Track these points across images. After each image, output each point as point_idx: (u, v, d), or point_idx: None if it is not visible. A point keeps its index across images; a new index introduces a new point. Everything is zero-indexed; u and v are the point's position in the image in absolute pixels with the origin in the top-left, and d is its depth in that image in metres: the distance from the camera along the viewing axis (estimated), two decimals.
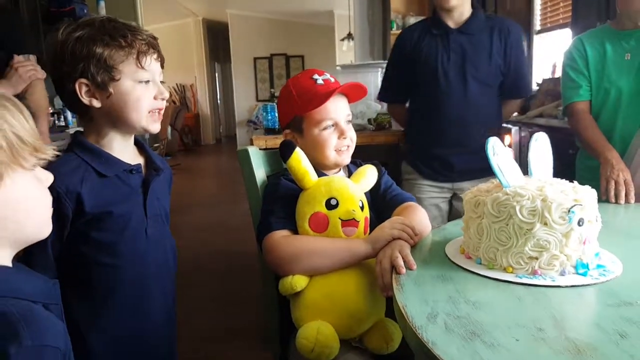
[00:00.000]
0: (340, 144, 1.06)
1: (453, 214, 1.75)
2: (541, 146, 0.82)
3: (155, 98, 0.87)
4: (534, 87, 3.33)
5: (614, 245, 0.78)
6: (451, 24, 1.61)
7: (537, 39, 3.59)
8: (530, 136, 0.83)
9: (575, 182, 0.77)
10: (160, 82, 0.89)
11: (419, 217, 1.01)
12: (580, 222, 0.68)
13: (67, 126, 3.12)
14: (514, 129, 2.56)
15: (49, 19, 3.15)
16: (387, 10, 4.06)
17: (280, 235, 0.94)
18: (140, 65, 0.83)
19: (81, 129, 0.90)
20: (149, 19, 4.71)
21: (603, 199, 1.20)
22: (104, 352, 0.85)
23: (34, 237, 0.60)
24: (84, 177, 0.82)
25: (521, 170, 0.79)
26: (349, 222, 0.92)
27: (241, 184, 1.12)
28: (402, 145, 1.90)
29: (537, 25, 3.58)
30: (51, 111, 2.95)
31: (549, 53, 3.47)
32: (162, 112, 0.90)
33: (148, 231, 0.89)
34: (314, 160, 1.00)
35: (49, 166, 0.61)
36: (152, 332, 0.92)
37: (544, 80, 2.89)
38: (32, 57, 1.72)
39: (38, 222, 0.60)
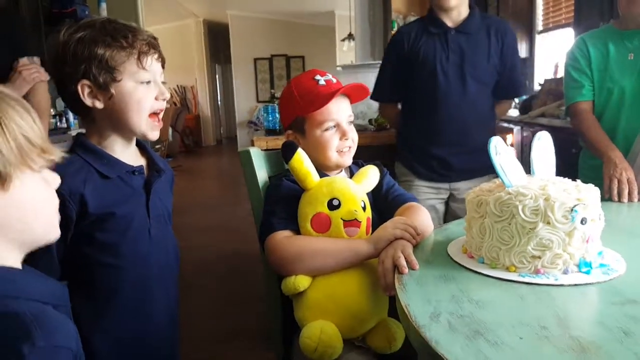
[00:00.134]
0: (342, 145, 1.06)
1: (449, 215, 1.73)
2: (544, 145, 0.82)
3: (156, 99, 0.87)
4: (536, 87, 3.34)
5: (617, 243, 0.78)
6: (449, 23, 1.60)
7: (539, 38, 3.58)
8: (532, 136, 0.83)
9: (578, 181, 0.76)
10: (162, 82, 0.89)
11: (421, 217, 1.01)
12: (583, 221, 0.68)
13: (69, 128, 3.13)
14: (516, 129, 2.56)
15: (50, 21, 3.16)
16: (388, 11, 4.06)
17: (283, 236, 0.94)
18: (141, 65, 0.84)
19: (83, 131, 0.90)
20: (150, 20, 4.72)
21: (606, 197, 1.20)
22: (107, 353, 0.85)
23: (42, 239, 0.60)
24: (87, 178, 0.82)
25: (523, 170, 0.79)
26: (351, 223, 0.92)
27: (243, 185, 1.12)
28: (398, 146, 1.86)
29: (540, 25, 3.58)
30: (53, 113, 2.96)
31: (551, 53, 3.47)
32: (162, 114, 0.90)
33: (151, 232, 0.90)
34: (315, 161, 1.00)
35: (52, 168, 0.61)
36: (155, 333, 0.92)
37: (546, 80, 2.88)
38: (36, 59, 1.73)
39: (46, 224, 0.60)
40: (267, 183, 1.09)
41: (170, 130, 7.17)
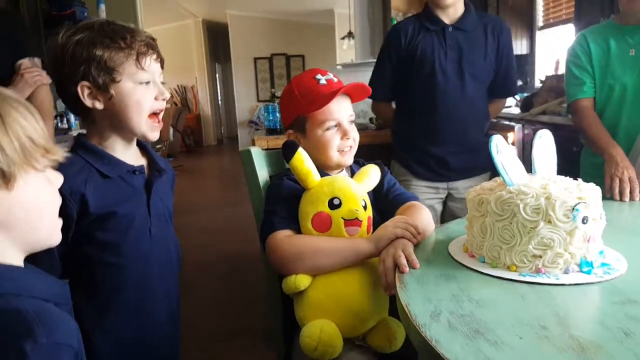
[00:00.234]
0: (343, 145, 1.06)
1: (447, 214, 1.72)
2: (545, 143, 0.82)
3: (156, 99, 0.88)
4: (537, 84, 3.33)
5: (618, 243, 0.78)
6: (446, 20, 1.59)
7: (539, 35, 3.57)
8: (534, 134, 0.82)
9: (580, 180, 0.76)
10: (161, 82, 0.89)
11: (422, 216, 1.01)
12: (584, 220, 0.67)
13: (69, 129, 3.13)
14: (517, 127, 2.56)
15: (50, 23, 3.16)
16: (387, 9, 4.05)
17: (284, 235, 0.94)
18: (140, 66, 0.84)
19: (84, 131, 0.90)
20: (149, 21, 4.72)
21: (607, 196, 1.19)
22: (108, 352, 0.85)
23: (45, 243, 0.61)
24: (88, 178, 0.83)
25: (525, 168, 0.78)
26: (352, 222, 0.92)
27: (244, 185, 1.12)
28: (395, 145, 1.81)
29: (540, 21, 3.57)
30: (54, 114, 2.96)
31: (552, 49, 3.46)
32: (162, 115, 0.91)
33: (152, 231, 0.90)
34: (316, 160, 1.00)
35: (54, 168, 0.61)
36: (156, 332, 0.92)
37: (547, 77, 2.88)
38: (37, 61, 1.73)
39: (50, 227, 0.60)
40: (268, 182, 1.09)
41: (171, 130, 7.18)
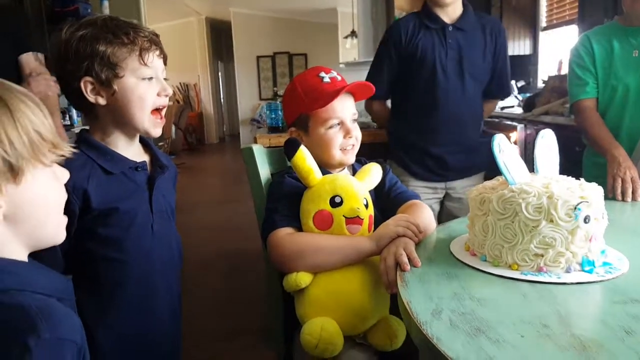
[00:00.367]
0: (345, 143, 1.06)
1: (444, 214, 1.71)
2: (547, 143, 0.82)
3: (158, 95, 0.88)
4: (540, 85, 3.32)
5: (620, 242, 0.78)
6: (446, 19, 1.58)
7: (543, 35, 3.56)
8: (536, 134, 0.82)
9: (582, 179, 0.76)
10: (164, 79, 0.89)
11: (424, 215, 1.01)
12: (586, 219, 0.67)
13: (72, 125, 3.14)
14: (520, 126, 2.55)
15: (53, 19, 3.17)
16: (390, 7, 4.05)
17: (285, 233, 0.95)
18: (143, 61, 0.84)
19: (87, 127, 0.91)
20: (153, 18, 4.73)
21: (610, 196, 1.19)
22: (110, 348, 0.86)
23: (51, 238, 0.61)
24: (91, 174, 0.83)
25: (527, 168, 0.78)
26: (353, 220, 0.92)
27: (245, 183, 1.12)
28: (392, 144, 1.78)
29: (543, 22, 3.56)
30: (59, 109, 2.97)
31: (555, 50, 3.45)
32: (164, 111, 0.91)
33: (154, 227, 0.90)
34: (318, 158, 1.00)
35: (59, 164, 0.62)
36: (158, 329, 0.93)
37: (550, 78, 2.87)
38: (41, 56, 1.73)
39: (56, 221, 0.61)
40: (269, 180, 1.10)
41: (173, 127, 7.19)
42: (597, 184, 0.74)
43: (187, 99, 9.08)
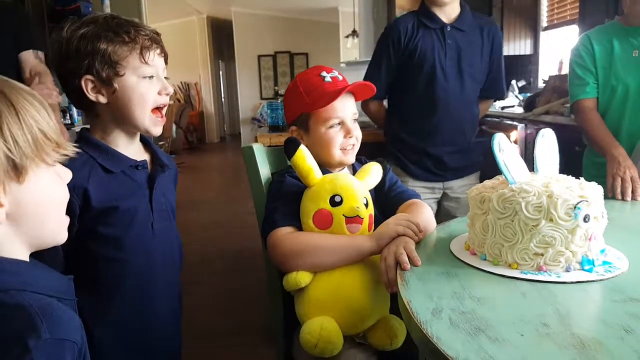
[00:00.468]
0: (346, 143, 1.06)
1: (442, 214, 1.71)
2: (547, 142, 0.82)
3: (159, 93, 0.88)
4: (541, 84, 3.32)
5: (620, 241, 0.78)
6: (444, 18, 1.58)
7: (543, 35, 3.56)
8: (536, 133, 0.82)
9: (582, 179, 0.76)
10: (165, 78, 0.89)
11: (424, 214, 1.01)
12: (586, 219, 0.67)
13: (72, 124, 3.14)
14: (520, 126, 2.55)
15: (54, 17, 3.17)
16: (391, 7, 4.04)
17: (285, 232, 0.95)
18: (144, 60, 0.84)
19: (87, 126, 0.91)
20: (154, 17, 4.73)
21: (609, 196, 1.19)
22: (110, 347, 0.86)
23: (52, 238, 0.61)
24: (91, 172, 0.83)
25: (527, 167, 0.78)
26: (353, 219, 0.92)
27: (246, 182, 1.12)
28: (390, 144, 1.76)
29: (544, 22, 3.56)
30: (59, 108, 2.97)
31: (556, 50, 3.45)
32: (165, 110, 0.91)
33: (154, 226, 0.90)
34: (319, 158, 1.00)
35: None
36: (158, 327, 0.93)
37: (551, 77, 2.87)
38: (40, 54, 1.73)
39: (58, 221, 0.60)
40: (270, 179, 1.10)
41: (173, 127, 7.18)
42: (596, 184, 0.74)
43: (188, 98, 9.09)
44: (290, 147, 0.94)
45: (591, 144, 1.49)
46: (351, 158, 1.09)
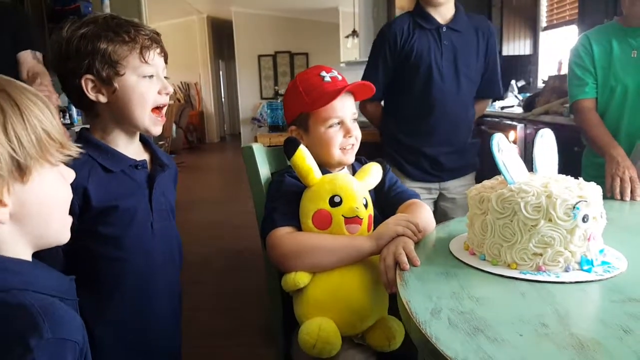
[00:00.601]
0: (345, 143, 1.06)
1: (439, 214, 1.71)
2: (546, 142, 0.82)
3: (159, 93, 0.88)
4: (540, 85, 3.32)
5: (619, 242, 0.78)
6: (439, 19, 1.58)
7: (543, 35, 3.56)
8: (536, 133, 0.82)
9: (581, 179, 0.76)
10: (165, 77, 0.89)
11: (424, 214, 1.01)
12: (585, 219, 0.67)
13: (72, 124, 3.14)
14: (519, 126, 2.55)
15: (53, 18, 3.17)
16: (391, 7, 4.04)
17: (284, 232, 0.95)
18: (144, 59, 0.84)
19: (87, 126, 0.91)
20: (154, 17, 4.73)
21: (608, 196, 1.19)
22: (110, 347, 0.86)
23: (55, 237, 0.61)
24: (91, 172, 0.83)
25: (526, 168, 0.78)
26: (353, 220, 0.92)
27: (245, 182, 1.12)
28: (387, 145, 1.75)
29: (544, 22, 3.56)
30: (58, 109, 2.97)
31: (555, 50, 3.45)
32: (165, 110, 0.91)
33: (154, 225, 0.90)
34: (318, 157, 1.00)
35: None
36: (158, 327, 0.93)
37: (550, 78, 2.87)
38: (39, 54, 1.73)
39: (61, 221, 0.61)
40: (269, 179, 1.10)
41: (173, 126, 7.18)
42: (595, 184, 0.74)
43: (188, 97, 9.09)
44: (290, 146, 0.94)
45: (590, 144, 1.49)
46: (351, 158, 1.09)
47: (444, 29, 1.58)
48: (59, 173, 0.59)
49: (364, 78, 1.65)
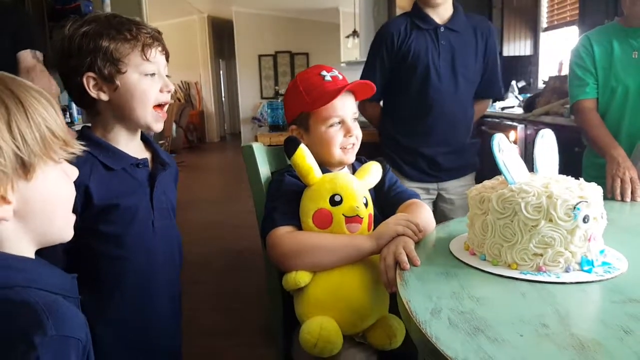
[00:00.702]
0: (346, 142, 1.06)
1: (437, 214, 1.70)
2: (547, 143, 0.82)
3: (161, 91, 0.88)
4: (540, 85, 3.32)
5: (619, 242, 0.78)
6: (437, 19, 1.57)
7: (543, 36, 3.56)
8: (536, 133, 0.82)
9: (581, 179, 0.76)
10: (166, 75, 0.89)
11: (424, 214, 1.01)
12: (585, 219, 0.67)
13: (72, 123, 3.14)
14: (520, 127, 2.55)
15: (54, 16, 3.17)
16: (392, 7, 4.05)
17: (284, 231, 0.95)
18: (146, 57, 0.84)
19: (88, 125, 0.91)
20: (154, 17, 4.72)
21: (609, 196, 1.19)
22: (110, 345, 0.86)
23: (59, 235, 0.61)
24: (92, 170, 0.83)
25: (527, 168, 0.78)
26: (353, 219, 0.92)
27: (245, 181, 1.12)
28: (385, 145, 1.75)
29: (544, 23, 3.56)
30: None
31: (556, 50, 3.45)
32: (166, 107, 0.91)
33: (155, 224, 0.90)
34: (318, 157, 1.00)
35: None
36: (158, 326, 0.93)
37: (551, 78, 2.87)
38: (39, 54, 1.73)
39: (64, 219, 0.61)
40: (269, 178, 1.10)
41: (174, 126, 7.18)
42: (596, 184, 0.74)
43: (189, 97, 9.09)
44: (290, 146, 0.94)
45: (591, 145, 1.49)
46: (351, 157, 1.09)
47: (442, 29, 1.57)
48: (62, 171, 0.59)
49: (361, 79, 1.64)
